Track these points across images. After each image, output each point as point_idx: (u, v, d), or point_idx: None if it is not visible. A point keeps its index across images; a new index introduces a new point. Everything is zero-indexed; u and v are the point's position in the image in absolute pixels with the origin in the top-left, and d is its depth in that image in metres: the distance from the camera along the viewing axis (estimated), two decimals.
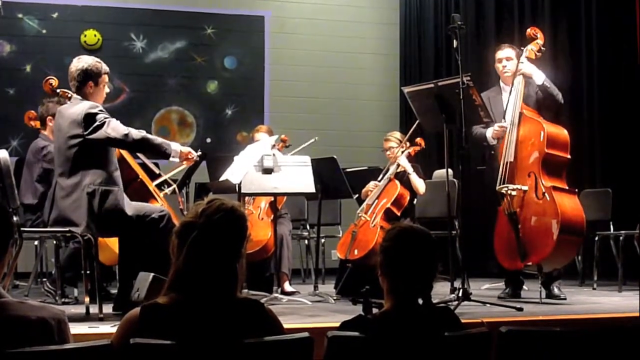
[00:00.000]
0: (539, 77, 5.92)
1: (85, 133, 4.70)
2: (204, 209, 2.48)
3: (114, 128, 4.71)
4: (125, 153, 5.26)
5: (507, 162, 5.71)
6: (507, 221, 5.65)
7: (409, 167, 6.51)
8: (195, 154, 5.05)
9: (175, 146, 4.93)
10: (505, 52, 6.10)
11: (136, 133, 4.75)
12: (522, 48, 6.04)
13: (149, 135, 4.86)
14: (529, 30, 6.12)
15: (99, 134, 4.69)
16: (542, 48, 6.04)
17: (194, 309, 2.38)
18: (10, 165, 4.82)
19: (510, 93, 5.93)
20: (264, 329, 2.42)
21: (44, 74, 8.06)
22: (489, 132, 6.00)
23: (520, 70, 5.91)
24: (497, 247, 5.80)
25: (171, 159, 4.95)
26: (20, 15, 9.34)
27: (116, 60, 9.34)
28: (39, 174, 6.16)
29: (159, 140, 4.91)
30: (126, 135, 4.70)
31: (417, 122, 6.17)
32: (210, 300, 2.40)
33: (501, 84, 6.17)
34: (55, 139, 4.97)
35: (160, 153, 4.92)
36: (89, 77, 4.88)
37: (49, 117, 6.08)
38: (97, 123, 4.70)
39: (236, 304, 2.46)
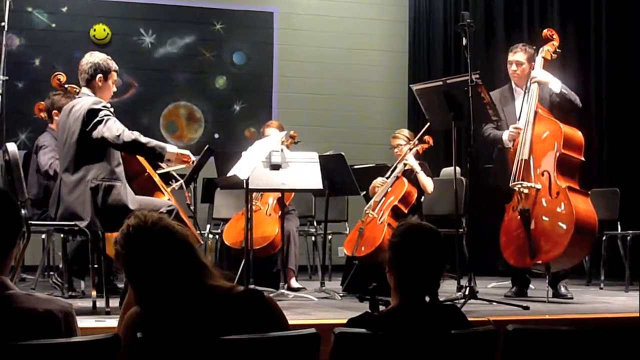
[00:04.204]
0: (556, 85, 5.88)
1: (87, 129, 4.73)
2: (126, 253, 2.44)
3: (109, 128, 4.69)
4: None
5: (521, 160, 5.69)
6: (516, 218, 5.65)
7: (416, 166, 6.49)
8: (193, 158, 5.01)
9: (171, 148, 4.87)
10: (516, 56, 6.03)
11: (127, 135, 4.70)
12: (534, 47, 6.01)
13: (141, 138, 4.77)
14: (545, 31, 6.08)
15: (96, 132, 4.71)
16: (558, 49, 6.01)
17: (192, 304, 2.39)
18: (19, 159, 4.84)
19: (524, 96, 5.92)
20: (266, 319, 2.42)
21: (53, 68, 8.13)
22: (505, 135, 5.97)
23: (535, 78, 5.87)
24: (504, 243, 5.79)
25: (166, 162, 4.91)
26: (29, 9, 9.36)
27: (125, 55, 9.36)
28: (35, 169, 6.21)
29: (153, 143, 4.82)
30: (117, 136, 4.68)
31: (428, 124, 6.17)
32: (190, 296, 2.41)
33: (513, 85, 6.14)
34: (60, 135, 4.98)
35: (154, 155, 4.87)
36: (99, 70, 4.94)
37: (55, 111, 6.08)
38: (97, 119, 4.72)
39: (236, 296, 2.45)
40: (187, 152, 4.98)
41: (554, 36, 6.02)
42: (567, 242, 5.39)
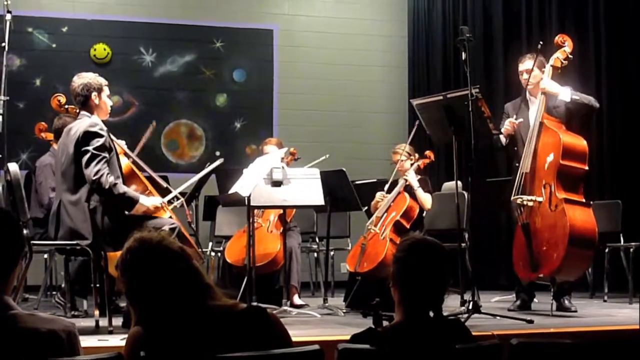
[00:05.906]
0: (565, 94, 5.83)
1: (81, 149, 4.76)
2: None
3: (90, 167, 4.72)
4: (133, 166, 5.28)
5: (523, 173, 5.68)
6: (521, 232, 5.64)
7: (415, 183, 6.49)
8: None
9: (143, 200, 4.90)
10: (524, 65, 6.00)
11: (103, 181, 4.71)
12: (540, 57, 5.97)
13: (114, 189, 4.74)
14: (557, 37, 6.01)
15: (82, 162, 4.76)
16: (570, 56, 5.93)
17: (195, 323, 2.39)
18: (21, 179, 4.85)
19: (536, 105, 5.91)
20: (269, 336, 2.42)
21: (54, 88, 8.15)
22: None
23: (543, 88, 5.84)
24: (515, 257, 5.79)
25: (134, 211, 4.88)
26: (30, 29, 9.39)
27: (126, 74, 9.40)
28: (34, 189, 6.24)
29: (127, 195, 4.83)
30: (93, 181, 4.71)
31: (416, 127, 6.18)
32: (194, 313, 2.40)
33: (527, 95, 6.08)
34: (59, 156, 5.01)
35: (122, 205, 4.85)
36: (92, 89, 4.99)
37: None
38: (86, 147, 4.76)
39: (239, 314, 2.46)
40: (159, 202, 5.00)
41: (567, 42, 5.91)
42: (562, 255, 5.37)
